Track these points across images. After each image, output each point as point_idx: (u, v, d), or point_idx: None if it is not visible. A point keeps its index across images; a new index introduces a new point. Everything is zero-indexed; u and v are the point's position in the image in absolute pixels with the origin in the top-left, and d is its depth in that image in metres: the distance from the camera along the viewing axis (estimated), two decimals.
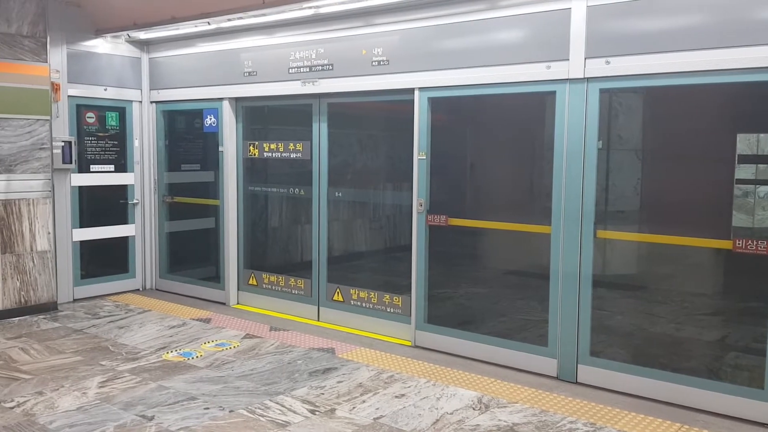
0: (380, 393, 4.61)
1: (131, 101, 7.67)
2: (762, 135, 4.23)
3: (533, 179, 5.58)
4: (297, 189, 6.73)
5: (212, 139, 7.30)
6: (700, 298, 5.01)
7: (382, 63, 5.76)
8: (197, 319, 6.55)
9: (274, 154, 6.79)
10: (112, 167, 7.54)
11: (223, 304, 7.20)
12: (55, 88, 6.83)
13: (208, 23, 6.51)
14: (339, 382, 4.82)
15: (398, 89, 5.67)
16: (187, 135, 7.98)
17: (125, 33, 7.20)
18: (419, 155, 5.59)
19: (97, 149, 7.41)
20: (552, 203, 4.92)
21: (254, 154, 6.97)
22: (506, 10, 5.06)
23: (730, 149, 4.31)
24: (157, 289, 7.91)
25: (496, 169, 5.88)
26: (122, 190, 7.68)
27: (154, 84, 7.71)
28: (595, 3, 4.61)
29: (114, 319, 6.52)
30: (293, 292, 6.75)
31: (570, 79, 4.76)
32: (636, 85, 4.61)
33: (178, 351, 5.53)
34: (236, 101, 7.04)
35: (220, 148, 7.10)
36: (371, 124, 6.72)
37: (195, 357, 5.38)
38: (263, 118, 7.23)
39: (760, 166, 4.27)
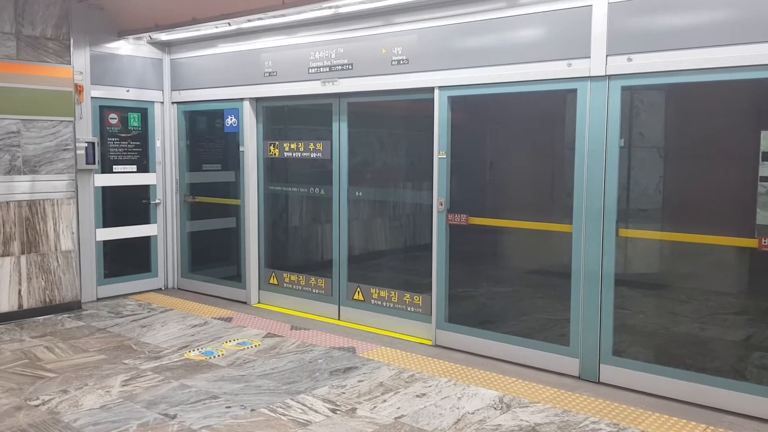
0: (401, 392, 4.61)
1: (153, 102, 7.75)
2: None
3: (554, 178, 5.54)
4: (317, 188, 6.74)
5: (233, 139, 7.34)
6: (725, 297, 4.94)
7: (401, 62, 5.75)
8: (219, 318, 6.59)
9: (294, 154, 6.81)
10: (134, 167, 7.62)
11: (244, 303, 7.24)
12: (79, 89, 6.92)
13: (229, 24, 6.55)
14: (360, 381, 4.83)
15: (418, 88, 5.67)
16: (208, 135, 8.04)
17: (147, 34, 7.27)
18: (439, 154, 5.57)
19: (120, 150, 7.49)
20: (573, 202, 4.89)
21: (274, 154, 7.01)
22: (526, 7, 5.03)
23: (754, 146, 4.25)
24: (178, 289, 7.98)
25: (517, 168, 5.85)
26: (144, 190, 7.75)
27: (175, 85, 7.78)
28: (617, 0, 4.57)
29: (137, 318, 6.59)
30: (314, 291, 6.77)
31: (591, 77, 4.72)
32: (658, 82, 4.55)
33: (200, 350, 5.57)
34: (256, 101, 7.07)
35: (241, 148, 7.14)
36: (391, 124, 6.72)
37: (217, 356, 5.42)
38: (283, 118, 7.26)
39: None
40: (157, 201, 7.82)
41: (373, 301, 6.28)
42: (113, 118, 7.42)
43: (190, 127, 7.92)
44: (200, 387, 4.70)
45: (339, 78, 6.20)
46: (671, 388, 4.49)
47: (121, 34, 7.33)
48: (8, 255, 6.41)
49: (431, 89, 5.58)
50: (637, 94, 4.85)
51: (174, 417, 4.17)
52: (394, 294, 6.12)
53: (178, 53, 7.71)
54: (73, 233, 6.86)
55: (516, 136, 5.84)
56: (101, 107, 7.28)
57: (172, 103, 7.83)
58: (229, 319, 6.56)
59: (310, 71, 6.41)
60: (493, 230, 5.60)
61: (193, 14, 6.61)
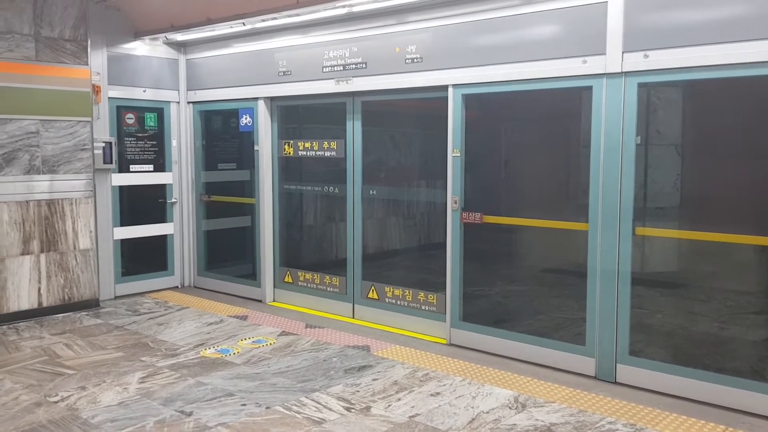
0: (415, 391, 4.60)
1: (169, 102, 7.80)
2: None
3: (569, 176, 5.50)
4: (331, 187, 6.75)
5: (248, 138, 7.38)
6: (744, 297, 4.88)
7: (415, 60, 5.74)
8: (234, 316, 6.63)
9: (308, 153, 6.83)
10: (151, 167, 7.68)
11: (260, 301, 7.28)
12: (96, 90, 6.99)
13: (243, 24, 6.58)
14: (374, 379, 4.83)
15: (432, 86, 5.65)
16: (223, 134, 8.08)
17: (163, 35, 7.32)
18: (453, 152, 5.56)
19: (137, 149, 7.55)
20: (589, 200, 4.85)
21: (289, 153, 7.03)
22: (541, 4, 5.00)
23: None
24: (195, 287, 8.03)
25: (532, 166, 5.82)
26: (161, 190, 7.81)
27: (191, 85, 7.82)
28: None
29: (154, 316, 6.64)
30: (328, 289, 6.79)
31: (607, 74, 4.68)
32: (675, 79, 4.51)
33: (216, 348, 5.61)
34: (271, 100, 7.10)
35: (256, 147, 7.17)
36: (405, 122, 6.71)
37: (232, 354, 5.45)
38: (298, 117, 7.28)
39: None
40: (173, 200, 7.87)
41: (387, 299, 6.28)
42: (130, 118, 7.48)
43: (206, 126, 7.96)
44: (216, 384, 4.73)
45: (353, 77, 6.21)
46: (689, 388, 4.45)
47: (137, 35, 7.39)
48: (28, 253, 6.48)
49: (445, 87, 5.56)
50: (653, 91, 4.80)
51: (190, 414, 4.20)
52: (409, 292, 6.12)
53: (193, 53, 7.76)
54: (91, 232, 6.92)
55: (531, 134, 5.81)
56: (118, 107, 7.35)
57: (188, 102, 7.88)
58: (244, 317, 6.59)
59: (324, 70, 6.42)
60: (507, 229, 5.57)
61: (208, 15, 6.64)
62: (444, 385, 4.72)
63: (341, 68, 6.29)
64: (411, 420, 4.12)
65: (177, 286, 8.01)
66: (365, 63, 6.11)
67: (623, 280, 4.71)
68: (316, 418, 4.15)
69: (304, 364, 5.17)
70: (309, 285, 6.96)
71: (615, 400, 4.45)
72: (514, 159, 5.93)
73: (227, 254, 8.09)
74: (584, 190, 4.91)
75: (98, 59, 7.05)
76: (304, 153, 6.87)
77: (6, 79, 6.26)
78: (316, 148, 6.74)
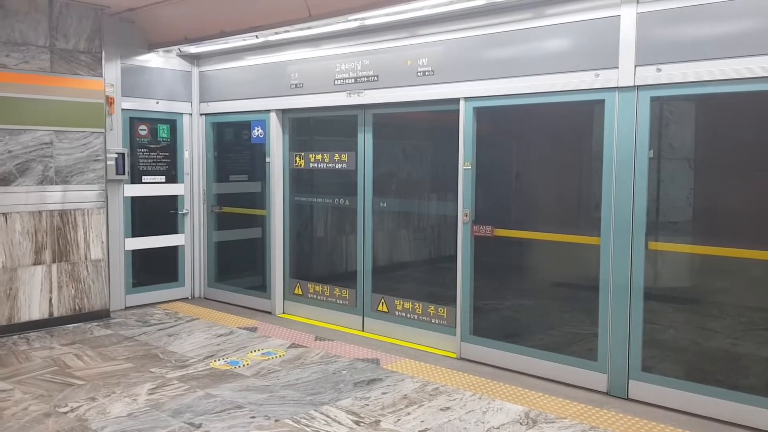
0: (425, 405, 4.57)
1: (182, 114, 7.85)
2: None
3: (581, 189, 5.47)
4: (342, 199, 6.76)
5: (259, 150, 7.40)
6: (758, 313, 4.81)
7: (427, 73, 5.75)
8: (244, 328, 6.62)
9: (319, 165, 6.84)
10: (163, 178, 7.71)
11: (269, 313, 7.27)
12: (110, 101, 7.04)
13: (256, 37, 6.63)
14: (384, 393, 4.80)
15: (443, 99, 5.66)
16: (235, 146, 8.11)
17: (176, 47, 7.38)
18: (464, 165, 5.55)
19: (149, 161, 7.59)
20: (601, 214, 4.82)
21: (300, 165, 7.04)
22: (553, 18, 5.00)
23: None
24: (205, 298, 8.04)
25: (543, 179, 5.79)
26: (172, 201, 7.85)
27: (203, 97, 7.87)
28: (646, 10, 4.52)
29: (164, 327, 6.65)
30: (338, 302, 6.77)
31: (619, 87, 4.66)
32: (688, 93, 4.48)
33: (226, 359, 5.60)
34: (283, 113, 7.13)
35: (267, 159, 7.19)
36: (416, 135, 6.71)
37: (242, 365, 5.43)
38: (309, 129, 7.30)
39: None
40: (184, 211, 7.90)
41: (397, 312, 6.26)
42: (143, 130, 7.53)
43: (218, 138, 8.00)
44: (225, 396, 4.72)
45: (364, 89, 6.22)
46: (703, 405, 4.39)
47: (151, 47, 7.46)
48: (40, 263, 6.52)
49: (456, 100, 5.57)
50: (666, 105, 4.77)
51: (199, 426, 4.19)
52: (419, 306, 6.09)
53: (206, 66, 7.81)
54: (102, 242, 6.96)
55: (542, 147, 5.79)
56: (131, 119, 7.40)
57: (201, 114, 7.92)
58: (254, 329, 6.59)
59: (336, 83, 6.44)
60: (519, 242, 5.54)
61: (222, 27, 6.70)
62: (454, 399, 4.69)
63: (353, 81, 6.31)
64: None
65: (187, 297, 8.02)
66: (377, 76, 6.13)
67: (636, 294, 4.67)
68: (325, 431, 4.13)
69: (314, 377, 5.15)
70: (319, 297, 6.95)
71: (627, 416, 4.39)
72: (525, 172, 5.91)
73: (238, 266, 8.10)
74: (596, 204, 4.89)
75: (112, 71, 7.12)
76: (315, 165, 6.89)
77: (21, 91, 6.32)
78: (327, 160, 6.75)
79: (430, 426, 4.22)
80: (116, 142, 7.16)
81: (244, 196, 7.93)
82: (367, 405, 4.57)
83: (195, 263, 8.04)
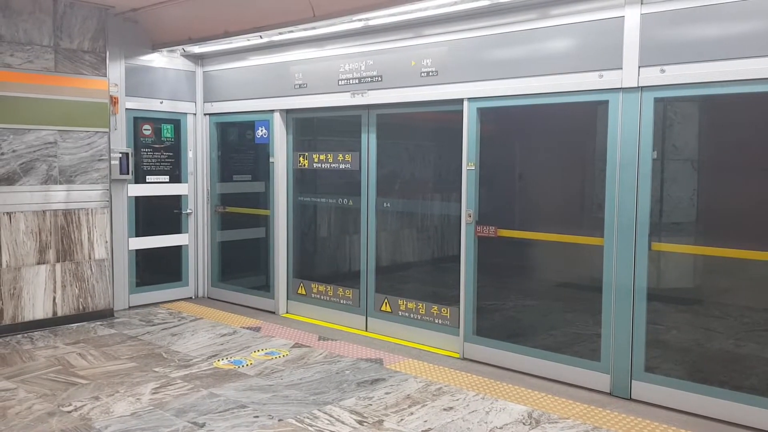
0: (428, 405, 4.58)
1: (186, 113, 7.87)
2: None
3: (585, 190, 5.48)
4: (345, 199, 6.77)
5: (263, 150, 7.41)
6: (761, 314, 4.82)
7: (431, 74, 5.76)
8: (247, 328, 6.64)
9: (323, 165, 6.85)
10: (167, 178, 7.73)
11: (273, 313, 7.28)
12: (114, 101, 7.06)
13: (260, 37, 6.64)
14: (387, 393, 4.81)
15: (447, 100, 5.66)
16: (238, 146, 8.13)
17: (180, 47, 7.39)
18: (468, 166, 5.56)
19: (153, 160, 7.61)
20: (605, 215, 4.83)
21: (304, 165, 7.05)
22: (557, 19, 5.00)
23: None
24: (208, 298, 8.05)
25: (547, 180, 5.80)
26: (176, 201, 7.86)
27: (207, 97, 7.89)
28: (650, 11, 4.52)
29: (167, 327, 6.66)
30: (341, 302, 6.78)
31: (623, 88, 4.67)
32: (692, 94, 4.49)
33: (229, 359, 5.61)
34: (287, 113, 7.14)
35: (271, 159, 7.20)
36: (420, 135, 6.72)
37: (245, 365, 5.45)
38: (313, 129, 7.31)
39: None
40: (188, 211, 7.92)
41: (400, 312, 6.26)
42: (147, 130, 7.55)
43: (222, 138, 8.02)
44: (229, 396, 4.73)
45: (368, 90, 6.23)
46: (705, 405, 4.39)
47: (155, 47, 7.47)
48: (44, 263, 6.54)
49: (460, 101, 5.57)
50: (670, 106, 4.78)
51: (202, 426, 4.20)
52: (422, 306, 6.10)
53: (210, 65, 7.83)
54: (106, 242, 6.97)
55: (546, 148, 5.80)
56: (135, 118, 7.42)
57: (204, 114, 7.93)
58: (257, 329, 6.60)
59: (340, 83, 6.45)
60: (522, 243, 5.55)
61: (226, 27, 6.71)
62: (457, 399, 4.69)
63: (357, 81, 6.32)
64: None
65: (191, 297, 8.03)
66: (381, 76, 6.14)
67: (639, 295, 4.67)
68: (329, 431, 4.14)
69: (317, 377, 5.16)
70: (322, 297, 6.96)
71: (630, 416, 4.40)
72: (528, 173, 5.91)
73: (241, 265, 8.11)
74: (600, 205, 4.89)
75: (116, 71, 7.13)
76: (319, 165, 6.90)
77: (25, 90, 6.34)
78: (330, 160, 6.76)
79: (434, 426, 4.22)
80: (120, 141, 7.18)
81: (247, 196, 7.94)
82: (371, 405, 4.58)
83: (199, 263, 8.05)
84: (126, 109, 7.26)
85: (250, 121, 7.47)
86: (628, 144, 4.66)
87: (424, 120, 6.42)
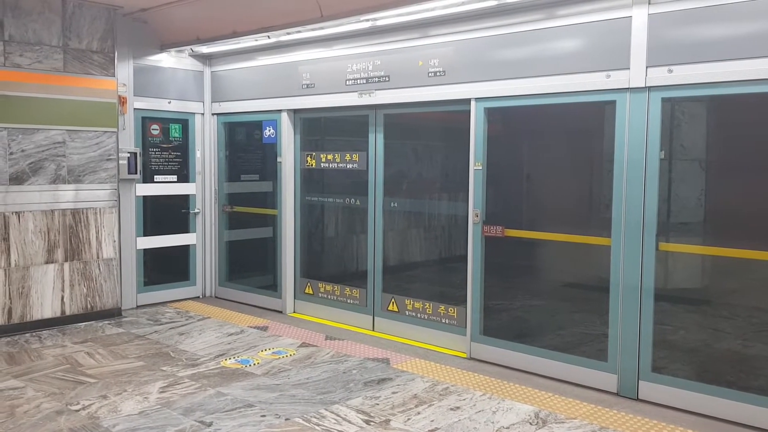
0: (435, 405, 4.58)
1: (194, 113, 7.89)
2: None
3: (592, 190, 5.47)
4: (353, 199, 6.78)
5: (271, 150, 7.43)
6: None
7: (438, 74, 5.76)
8: (254, 327, 6.65)
9: (330, 165, 6.86)
10: (174, 177, 7.76)
11: (280, 312, 7.30)
12: (122, 101, 7.09)
13: (268, 37, 6.65)
14: (394, 392, 4.82)
15: (454, 100, 5.66)
16: (246, 146, 8.15)
17: (189, 47, 7.42)
18: (475, 165, 5.56)
19: (161, 160, 7.64)
20: (612, 215, 4.82)
21: (311, 165, 7.07)
22: (564, 19, 5.00)
23: None
24: (216, 297, 8.08)
25: (554, 180, 5.79)
26: (184, 200, 7.89)
27: (215, 97, 7.91)
28: (657, 11, 4.51)
29: (175, 326, 6.69)
30: (348, 301, 6.79)
31: (631, 88, 4.66)
32: (700, 94, 4.47)
33: (236, 358, 5.63)
34: (294, 113, 7.15)
35: (279, 159, 7.22)
36: (427, 135, 6.72)
37: (252, 364, 5.46)
38: (320, 129, 7.32)
39: None
40: (196, 210, 7.94)
41: (407, 312, 6.27)
42: (155, 129, 7.58)
43: (229, 138, 8.04)
44: (236, 395, 4.74)
45: (376, 90, 6.24)
46: (713, 406, 4.38)
47: (163, 47, 7.50)
48: (52, 262, 6.57)
49: (467, 101, 5.57)
50: (678, 106, 4.76)
51: (210, 425, 4.22)
52: (429, 305, 6.10)
53: (218, 66, 7.85)
54: (114, 241, 7.01)
55: (553, 148, 5.79)
56: (143, 118, 7.45)
57: (212, 114, 7.96)
58: (264, 328, 6.62)
59: (347, 83, 6.46)
60: (529, 242, 5.54)
61: (234, 27, 6.73)
62: (464, 399, 4.70)
63: (364, 81, 6.33)
64: None
65: (198, 296, 8.06)
66: (388, 76, 6.14)
67: (646, 295, 4.66)
68: (336, 431, 4.14)
69: (324, 376, 5.17)
70: (329, 297, 6.97)
71: (637, 417, 4.39)
72: (536, 173, 5.91)
73: (249, 265, 8.13)
74: (607, 205, 4.88)
75: (125, 71, 7.16)
76: (326, 165, 6.91)
77: (34, 90, 6.37)
78: (338, 160, 6.77)
79: (440, 426, 4.23)
80: (128, 141, 7.21)
81: (255, 196, 7.96)
82: (377, 404, 4.58)
83: (206, 262, 8.08)
84: (134, 108, 7.29)
85: (258, 121, 7.49)
86: (636, 144, 4.65)
87: (432, 120, 6.42)
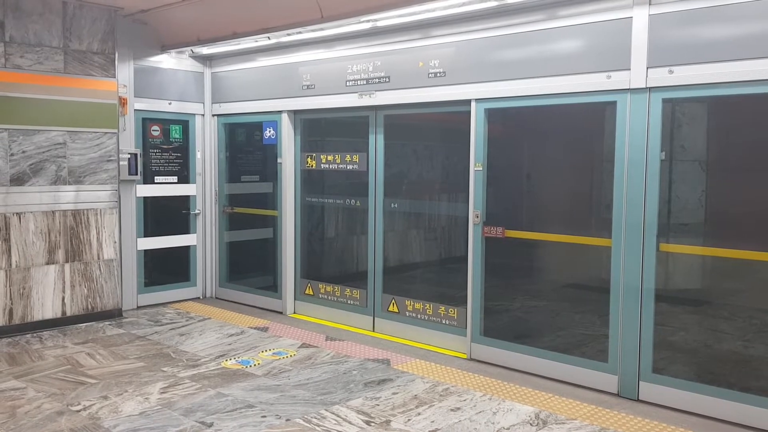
0: (435, 406, 4.58)
1: (194, 114, 7.89)
2: None
3: (593, 191, 5.47)
4: (353, 200, 6.78)
5: (271, 150, 7.43)
6: None
7: (438, 75, 5.76)
8: (255, 328, 6.65)
9: (331, 166, 6.87)
10: (175, 178, 7.76)
11: (280, 313, 7.30)
12: (123, 102, 7.09)
13: (268, 38, 6.66)
14: (394, 393, 4.82)
15: (455, 101, 5.66)
16: (246, 147, 8.15)
17: (189, 48, 7.42)
18: (476, 166, 5.56)
19: (162, 161, 7.64)
20: (612, 215, 4.82)
21: (311, 166, 7.07)
22: (565, 20, 5.00)
23: None
24: (216, 298, 8.08)
25: (555, 181, 5.79)
26: (185, 201, 7.89)
27: (215, 98, 7.92)
28: (658, 11, 4.51)
29: (175, 327, 6.69)
30: (349, 302, 6.79)
31: (631, 89, 4.66)
32: (701, 95, 4.47)
33: (237, 359, 5.63)
34: (294, 114, 7.16)
35: (279, 160, 7.22)
36: (427, 136, 6.72)
37: (253, 365, 5.46)
38: (320, 130, 7.33)
39: None
40: (196, 211, 7.95)
41: (407, 313, 6.27)
42: (155, 130, 7.58)
43: (230, 139, 8.04)
44: (236, 396, 4.74)
45: (376, 91, 6.24)
46: (713, 407, 4.38)
47: (163, 48, 7.51)
48: (53, 263, 6.58)
49: (468, 102, 5.57)
50: (678, 107, 4.77)
51: (210, 425, 4.22)
52: (429, 306, 6.10)
53: (218, 67, 7.85)
54: (115, 242, 7.01)
55: (554, 149, 5.79)
56: (144, 119, 7.45)
57: (213, 115, 7.96)
58: (265, 329, 6.62)
59: (348, 84, 6.47)
60: (529, 243, 5.54)
61: (234, 29, 6.73)
62: (464, 400, 4.70)
63: (364, 82, 6.33)
64: None
65: (199, 297, 8.06)
66: (388, 77, 6.15)
67: (647, 296, 4.66)
68: (336, 431, 4.15)
69: (324, 377, 5.18)
70: (330, 297, 6.97)
71: (637, 418, 4.39)
72: (536, 173, 5.91)
73: (249, 266, 8.13)
74: (608, 206, 4.88)
75: (125, 72, 7.17)
76: (327, 166, 6.91)
77: (35, 91, 6.38)
78: (338, 161, 6.77)
79: (441, 426, 4.23)
80: (129, 142, 7.21)
81: (255, 197, 7.97)
82: (378, 405, 4.58)
83: (207, 263, 8.08)
84: (135, 110, 7.29)
85: (258, 122, 7.49)
86: (636, 145, 4.65)
87: (432, 121, 6.42)
